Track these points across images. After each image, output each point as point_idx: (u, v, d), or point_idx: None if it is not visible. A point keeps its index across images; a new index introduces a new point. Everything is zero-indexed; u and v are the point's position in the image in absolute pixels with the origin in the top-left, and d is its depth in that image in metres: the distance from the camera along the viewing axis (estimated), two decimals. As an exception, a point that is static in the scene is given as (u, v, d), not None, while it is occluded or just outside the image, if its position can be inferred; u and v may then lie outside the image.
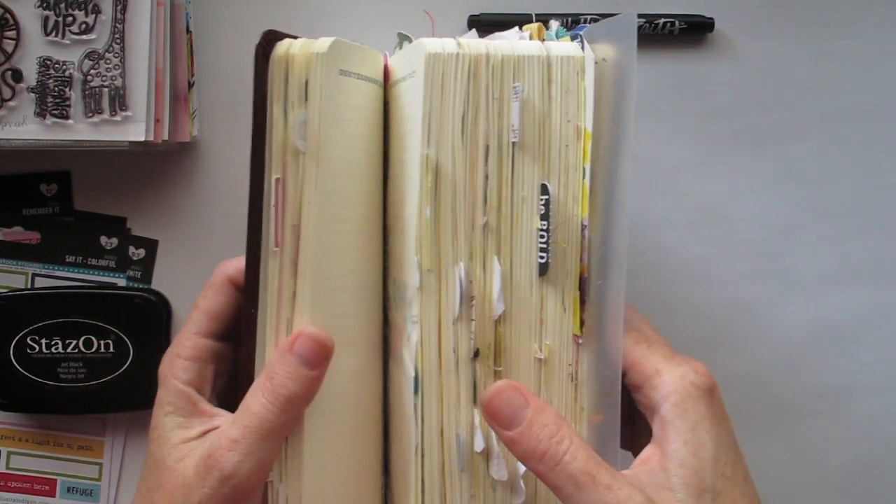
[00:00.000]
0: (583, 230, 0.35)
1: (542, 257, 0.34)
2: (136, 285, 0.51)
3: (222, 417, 0.36)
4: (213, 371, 0.38)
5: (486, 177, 0.34)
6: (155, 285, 0.51)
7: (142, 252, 0.51)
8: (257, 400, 0.33)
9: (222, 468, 0.33)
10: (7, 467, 0.51)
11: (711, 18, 0.51)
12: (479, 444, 0.34)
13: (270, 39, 0.33)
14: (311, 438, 0.35)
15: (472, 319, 0.34)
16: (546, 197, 0.34)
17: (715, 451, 0.33)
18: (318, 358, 0.33)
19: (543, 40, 0.37)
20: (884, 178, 0.52)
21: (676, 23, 0.50)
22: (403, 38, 0.40)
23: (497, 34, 0.38)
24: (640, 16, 0.50)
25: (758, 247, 0.52)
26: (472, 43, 0.34)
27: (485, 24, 0.50)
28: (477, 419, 0.34)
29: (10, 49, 0.44)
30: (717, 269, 0.52)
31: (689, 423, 0.33)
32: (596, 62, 0.34)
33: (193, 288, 0.50)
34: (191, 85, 0.48)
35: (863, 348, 0.53)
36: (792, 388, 0.53)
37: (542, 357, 0.35)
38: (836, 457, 0.53)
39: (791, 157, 0.52)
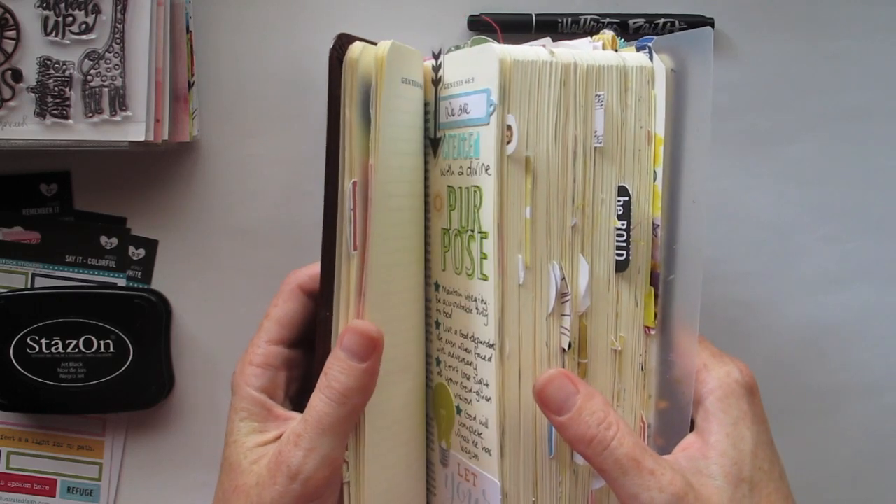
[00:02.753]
0: (654, 229, 0.37)
1: (620, 255, 0.37)
2: (136, 285, 0.51)
3: (295, 420, 0.37)
4: (286, 377, 0.39)
5: (574, 179, 0.36)
6: (155, 285, 0.51)
7: (142, 252, 0.51)
8: (316, 396, 0.35)
9: (289, 464, 0.34)
10: (7, 467, 0.51)
11: (711, 18, 0.51)
12: None
13: (343, 43, 0.34)
14: (371, 444, 0.36)
15: (563, 315, 0.36)
16: (626, 198, 0.37)
17: (754, 445, 0.35)
18: (367, 350, 0.34)
19: (616, 50, 0.38)
20: (884, 178, 0.52)
21: (676, 23, 0.50)
22: (477, 42, 0.39)
23: (566, 42, 0.39)
24: (640, 16, 0.50)
25: (758, 247, 0.52)
26: (560, 52, 0.35)
27: (485, 24, 0.50)
28: None
29: (10, 49, 0.44)
30: (718, 268, 0.52)
31: (731, 417, 0.35)
32: (668, 72, 0.37)
33: (193, 288, 0.51)
34: (191, 85, 0.48)
35: (863, 348, 0.53)
36: (792, 387, 0.53)
37: (619, 348, 0.37)
38: (836, 457, 0.53)
39: (791, 157, 0.52)
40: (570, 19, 0.50)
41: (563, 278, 0.36)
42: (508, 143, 0.34)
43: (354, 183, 0.35)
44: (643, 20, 0.50)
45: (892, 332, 0.52)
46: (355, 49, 0.34)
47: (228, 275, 0.51)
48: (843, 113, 0.52)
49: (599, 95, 0.36)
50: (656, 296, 0.38)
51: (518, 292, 0.35)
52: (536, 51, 0.35)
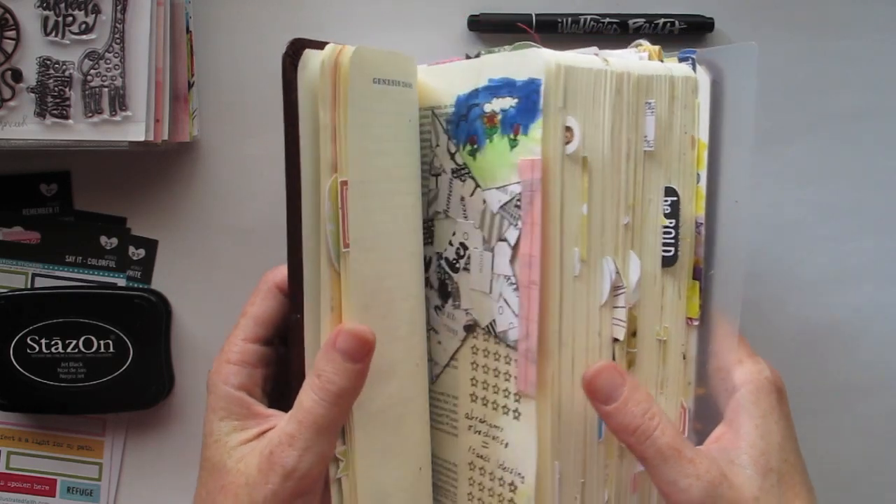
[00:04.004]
0: (697, 227, 0.41)
1: (667, 251, 0.40)
2: (135, 285, 0.51)
3: (277, 417, 0.38)
4: (262, 374, 0.39)
5: (626, 180, 0.38)
6: (155, 285, 0.51)
7: (142, 252, 0.51)
8: (309, 397, 0.35)
9: (284, 464, 0.35)
10: (7, 467, 0.51)
11: (711, 18, 0.50)
12: None
13: (298, 48, 0.35)
14: (363, 438, 0.37)
15: (616, 307, 0.38)
16: (674, 198, 0.40)
17: (781, 439, 0.37)
18: (361, 352, 0.35)
19: (662, 61, 0.41)
20: (884, 178, 0.52)
21: (676, 23, 0.50)
22: (519, 48, 0.39)
23: (611, 51, 0.41)
24: (640, 16, 0.50)
25: (758, 246, 0.52)
26: (614, 60, 0.38)
27: (485, 25, 0.50)
28: None
29: (10, 49, 0.44)
30: (717, 269, 0.52)
31: (761, 410, 0.37)
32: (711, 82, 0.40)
33: (193, 288, 0.51)
34: (191, 85, 0.48)
35: (863, 348, 0.53)
36: (792, 387, 0.52)
37: (664, 339, 0.40)
38: (836, 456, 0.53)
39: (791, 156, 0.52)
40: (569, 19, 0.50)
41: (618, 272, 0.38)
42: (568, 143, 0.36)
43: (343, 183, 0.35)
44: (643, 20, 0.50)
45: (893, 332, 0.52)
46: (312, 55, 0.35)
47: (228, 275, 0.51)
48: (843, 113, 0.52)
49: (650, 103, 0.38)
50: (700, 289, 0.41)
51: (573, 284, 0.37)
52: (591, 58, 0.37)
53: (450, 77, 0.41)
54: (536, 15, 0.50)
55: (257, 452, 0.36)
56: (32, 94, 0.44)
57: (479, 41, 0.51)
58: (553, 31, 0.50)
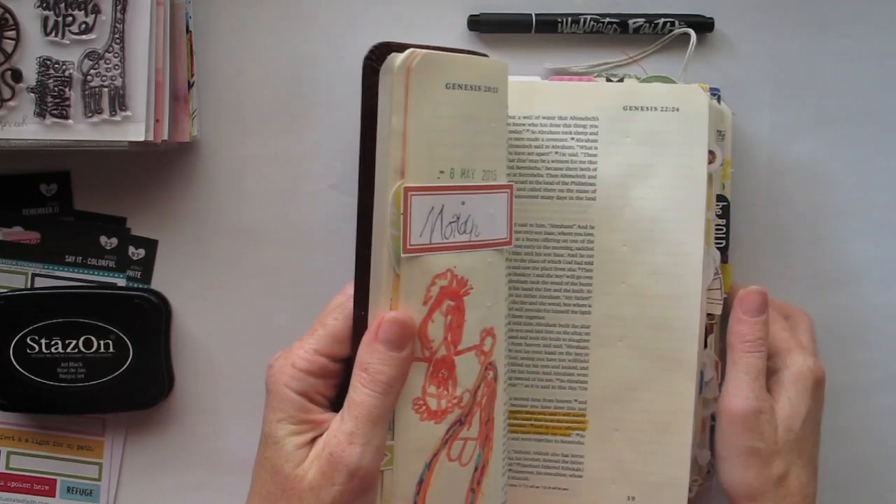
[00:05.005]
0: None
1: (719, 243, 0.48)
2: (135, 285, 0.51)
3: (332, 420, 0.38)
4: (327, 384, 0.39)
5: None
6: (155, 285, 0.51)
7: (142, 252, 0.51)
8: (360, 392, 0.36)
9: (349, 463, 0.35)
10: (7, 467, 0.51)
11: (711, 18, 0.50)
12: None
13: (382, 52, 0.35)
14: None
15: (714, 289, 0.47)
16: (724, 203, 0.48)
17: (807, 413, 0.45)
18: (404, 339, 0.36)
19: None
20: (884, 178, 0.52)
21: (676, 23, 0.50)
22: (658, 79, 0.49)
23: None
24: (640, 16, 0.50)
25: (758, 247, 0.52)
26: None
27: (485, 25, 0.50)
28: None
29: (10, 49, 0.44)
30: (717, 269, 0.52)
31: (796, 389, 0.45)
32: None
33: (193, 288, 0.51)
34: (191, 85, 0.48)
35: (863, 348, 0.53)
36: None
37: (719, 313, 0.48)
38: (836, 456, 0.53)
39: (791, 156, 0.52)
40: (569, 19, 0.50)
41: (714, 260, 0.47)
42: (711, 163, 0.46)
43: (408, 188, 0.36)
44: (643, 20, 0.50)
45: (893, 332, 0.52)
46: (392, 58, 0.35)
47: (228, 275, 0.51)
48: (843, 113, 0.52)
49: (721, 131, 0.48)
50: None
51: (702, 271, 0.46)
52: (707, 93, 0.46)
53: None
54: (536, 15, 0.50)
55: (315, 455, 0.36)
56: (32, 94, 0.44)
57: (478, 41, 0.51)
58: (553, 30, 0.50)
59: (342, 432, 0.36)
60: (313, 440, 0.37)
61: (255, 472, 0.39)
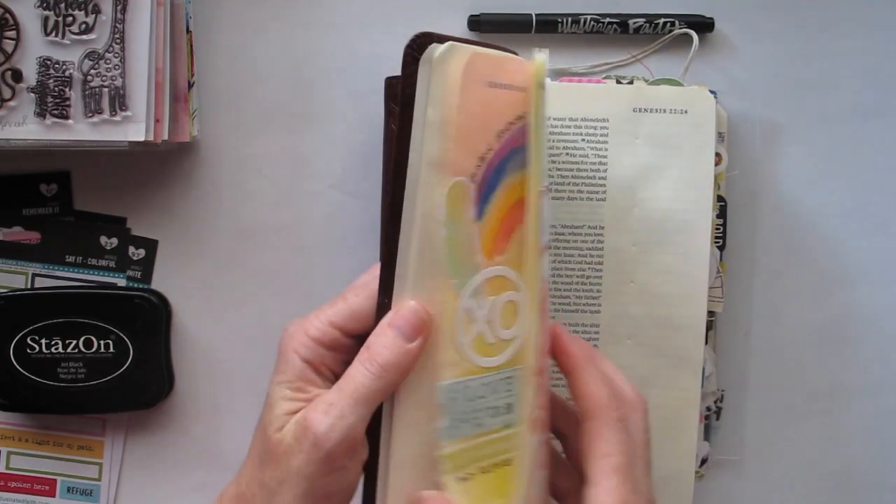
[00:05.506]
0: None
1: (718, 242, 0.49)
2: (136, 285, 0.51)
3: (327, 391, 0.37)
4: (336, 358, 0.38)
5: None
6: (155, 285, 0.51)
7: (142, 252, 0.51)
8: (355, 367, 0.35)
9: (316, 430, 0.34)
10: (7, 467, 0.51)
11: (711, 18, 0.50)
12: None
13: (423, 42, 0.34)
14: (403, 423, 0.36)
15: (713, 287, 0.48)
16: (722, 203, 0.48)
17: None
18: (415, 330, 0.35)
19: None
20: (884, 178, 0.52)
21: (676, 23, 0.50)
22: (666, 82, 0.49)
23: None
24: (640, 16, 0.50)
25: (758, 247, 0.52)
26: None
27: (485, 25, 0.50)
28: None
29: (10, 49, 0.44)
30: (717, 269, 0.52)
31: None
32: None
33: (193, 288, 0.51)
34: (191, 85, 0.48)
35: (863, 348, 0.53)
36: (792, 387, 0.53)
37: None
38: (836, 457, 0.53)
39: (791, 156, 0.52)
40: (569, 19, 0.50)
41: (716, 259, 0.48)
42: (717, 164, 0.47)
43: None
44: (643, 20, 0.50)
45: (892, 332, 0.52)
46: (433, 49, 0.34)
47: (228, 275, 0.51)
48: (843, 113, 0.52)
49: (721, 133, 0.48)
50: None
51: (708, 266, 0.47)
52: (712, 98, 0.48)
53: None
54: (536, 15, 0.50)
55: (294, 420, 0.36)
56: (32, 94, 0.44)
57: (478, 41, 0.51)
58: (553, 30, 0.50)
59: (323, 400, 0.35)
60: (300, 409, 0.37)
61: (254, 432, 0.38)
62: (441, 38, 0.35)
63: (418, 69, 0.34)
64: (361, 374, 0.35)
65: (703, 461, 0.49)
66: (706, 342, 0.48)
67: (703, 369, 0.47)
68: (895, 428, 0.53)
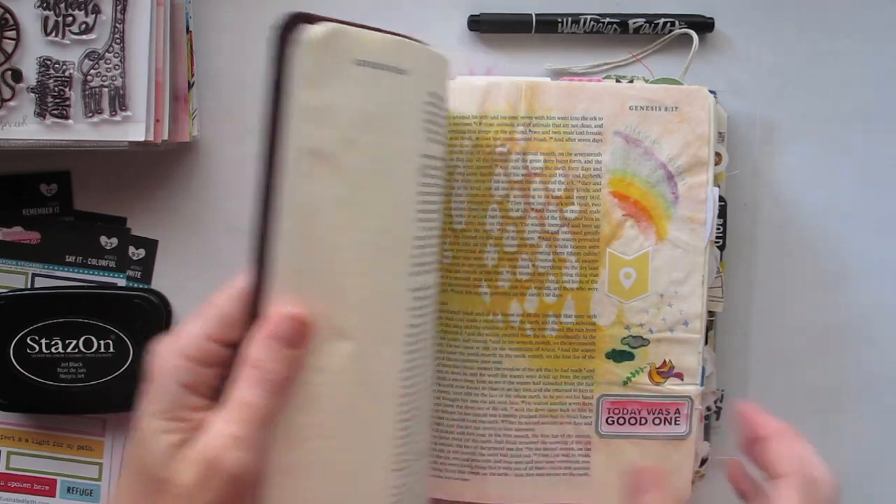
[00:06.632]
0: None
1: (718, 241, 0.48)
2: (136, 285, 0.51)
3: (213, 420, 0.34)
4: (216, 374, 0.35)
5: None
6: (155, 285, 0.51)
7: (142, 252, 0.51)
8: (251, 392, 0.33)
9: (230, 468, 0.32)
10: (7, 467, 0.51)
11: (711, 18, 0.51)
12: None
13: (294, 22, 0.32)
14: (299, 436, 0.35)
15: (711, 287, 0.48)
16: (722, 203, 0.48)
17: None
18: (300, 336, 0.34)
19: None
20: (884, 177, 0.52)
21: (676, 23, 0.50)
22: (666, 81, 0.49)
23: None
24: (639, 16, 0.50)
25: (758, 247, 0.52)
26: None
27: (485, 25, 0.50)
28: None
29: (10, 49, 0.44)
30: (718, 269, 0.52)
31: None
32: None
33: (193, 288, 0.51)
34: (191, 85, 0.48)
35: (863, 348, 0.53)
36: (792, 387, 0.53)
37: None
38: (836, 457, 0.52)
39: (791, 156, 0.52)
40: (569, 19, 0.50)
41: (716, 258, 0.48)
42: (717, 164, 0.47)
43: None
44: (643, 20, 0.50)
45: (892, 332, 0.52)
46: (312, 29, 0.33)
47: (228, 275, 0.51)
48: (843, 113, 0.52)
49: (721, 133, 0.48)
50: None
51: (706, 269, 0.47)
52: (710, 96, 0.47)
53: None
54: (536, 15, 0.50)
55: (193, 460, 0.32)
56: (32, 94, 0.44)
57: (478, 41, 0.51)
58: (553, 30, 0.50)
59: (227, 435, 0.32)
60: (185, 442, 0.33)
61: (123, 469, 0.36)
62: (312, 18, 0.33)
63: (286, 51, 0.32)
64: (259, 396, 0.33)
65: (703, 461, 0.49)
66: (706, 342, 0.48)
67: (703, 369, 0.47)
68: (895, 428, 0.53)
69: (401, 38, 0.37)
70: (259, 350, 0.34)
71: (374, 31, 0.36)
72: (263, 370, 0.33)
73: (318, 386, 0.35)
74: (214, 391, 0.35)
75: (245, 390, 0.33)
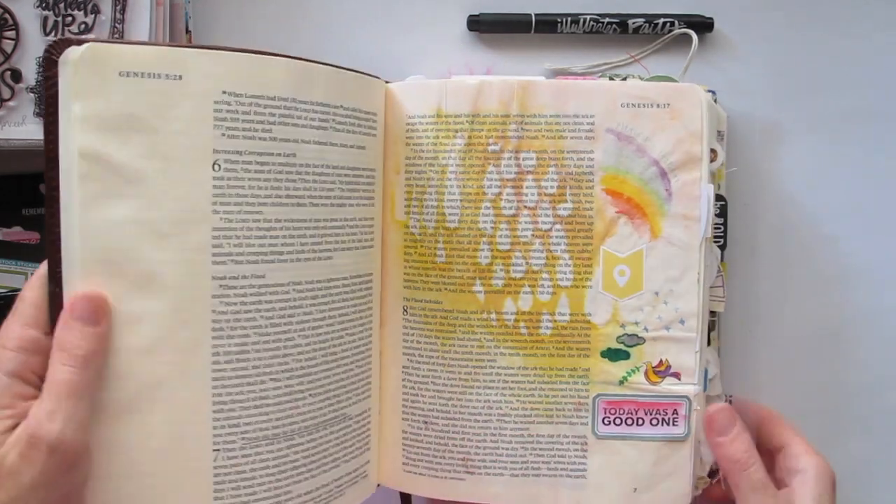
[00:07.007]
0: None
1: (718, 241, 0.48)
2: (135, 285, 0.51)
3: (34, 402, 0.36)
4: (41, 361, 0.37)
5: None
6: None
7: (141, 252, 0.51)
8: (59, 370, 0.36)
9: (49, 439, 0.34)
10: None
11: (711, 18, 0.51)
12: None
13: (60, 46, 0.37)
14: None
15: (714, 287, 0.48)
16: (722, 203, 0.48)
17: None
18: (98, 313, 0.37)
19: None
20: (884, 178, 0.52)
21: (676, 23, 0.50)
22: (660, 79, 0.50)
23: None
24: (639, 16, 0.50)
25: (758, 247, 0.52)
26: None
27: (484, 25, 0.50)
28: None
29: (9, 49, 0.44)
30: (717, 269, 0.52)
31: (819, 489, 0.43)
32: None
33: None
34: (190, 85, 0.48)
35: (863, 348, 0.53)
36: (792, 387, 0.53)
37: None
38: (836, 457, 0.53)
39: (791, 156, 0.52)
40: (569, 19, 0.50)
41: (716, 258, 0.48)
42: (713, 161, 0.46)
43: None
44: (643, 20, 0.50)
45: (893, 332, 0.52)
46: (73, 51, 0.37)
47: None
48: (843, 113, 0.52)
49: (720, 132, 0.48)
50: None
51: (705, 247, 0.46)
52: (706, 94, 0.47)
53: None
54: (536, 15, 0.50)
55: (15, 440, 0.35)
56: (32, 94, 0.44)
57: (478, 41, 0.51)
58: (553, 30, 0.50)
59: (42, 411, 0.35)
60: (13, 427, 0.36)
61: None
62: (79, 42, 0.37)
63: (58, 70, 0.37)
64: (66, 372, 0.35)
65: (713, 472, 0.49)
66: (709, 343, 0.47)
67: (706, 371, 0.47)
68: (895, 428, 0.53)
69: (175, 47, 0.40)
70: (62, 331, 0.36)
71: (140, 45, 0.39)
72: (68, 349, 0.36)
73: (123, 364, 0.38)
74: (42, 378, 0.37)
75: (56, 371, 0.36)
